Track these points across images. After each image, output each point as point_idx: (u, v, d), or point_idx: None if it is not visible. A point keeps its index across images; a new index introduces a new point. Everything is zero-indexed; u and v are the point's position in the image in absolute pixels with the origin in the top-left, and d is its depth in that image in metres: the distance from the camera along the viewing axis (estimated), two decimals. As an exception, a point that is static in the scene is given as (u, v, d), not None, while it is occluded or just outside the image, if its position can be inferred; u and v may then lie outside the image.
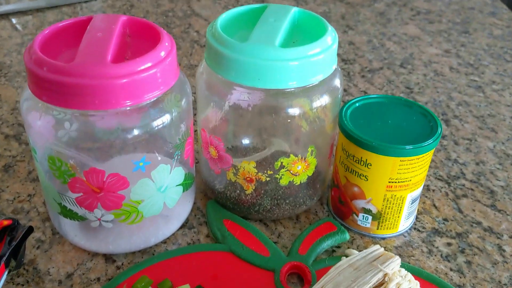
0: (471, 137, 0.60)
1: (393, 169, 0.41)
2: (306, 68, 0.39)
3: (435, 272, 0.43)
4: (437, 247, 0.45)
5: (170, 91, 0.38)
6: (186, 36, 0.80)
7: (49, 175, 0.39)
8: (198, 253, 0.42)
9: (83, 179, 0.37)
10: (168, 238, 0.45)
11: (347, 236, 0.45)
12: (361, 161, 0.42)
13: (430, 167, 0.54)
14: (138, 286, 0.39)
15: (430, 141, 0.41)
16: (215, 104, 0.42)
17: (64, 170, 0.37)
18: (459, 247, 0.45)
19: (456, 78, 0.72)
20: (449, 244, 0.46)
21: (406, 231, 0.47)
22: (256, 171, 0.43)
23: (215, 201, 0.47)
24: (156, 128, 0.37)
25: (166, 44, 0.37)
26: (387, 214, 0.44)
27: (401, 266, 0.37)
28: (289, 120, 0.41)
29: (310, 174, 0.44)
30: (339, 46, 0.79)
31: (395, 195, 0.43)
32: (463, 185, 0.53)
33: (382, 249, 0.36)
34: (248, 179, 0.43)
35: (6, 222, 0.38)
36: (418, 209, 0.49)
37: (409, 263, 0.43)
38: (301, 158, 0.43)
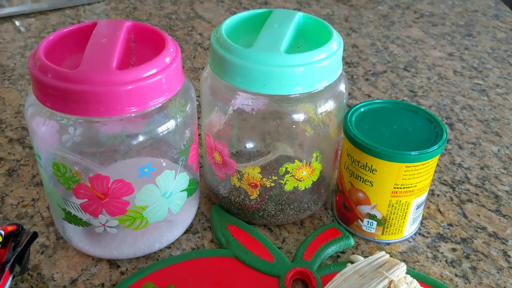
0: (476, 141, 0.60)
1: (398, 175, 0.41)
2: (311, 74, 0.39)
3: (440, 278, 0.43)
4: (442, 253, 0.45)
5: (175, 97, 0.38)
6: (190, 39, 0.80)
7: (54, 181, 0.39)
8: (202, 259, 0.42)
9: (88, 185, 0.37)
10: (172, 243, 0.45)
11: (352, 241, 0.45)
12: (366, 166, 0.42)
13: (434, 171, 0.54)
14: (143, 292, 0.39)
15: (435, 147, 0.41)
16: (220, 109, 0.42)
17: (68, 176, 0.37)
18: (464, 252, 0.45)
19: (460, 81, 0.72)
20: (454, 250, 0.45)
21: (411, 237, 0.46)
22: (261, 176, 0.43)
23: (219, 206, 0.47)
24: (161, 134, 0.37)
25: (171, 50, 0.37)
26: (392, 219, 0.44)
27: (406, 273, 0.37)
28: (293, 126, 0.41)
29: (314, 180, 0.44)
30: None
31: (400, 201, 0.43)
32: (468, 189, 0.52)
33: (388, 255, 0.36)
34: (253, 184, 0.43)
35: (10, 228, 0.38)
36: (422, 214, 0.49)
37: (414, 268, 0.43)
38: (306, 163, 0.43)
